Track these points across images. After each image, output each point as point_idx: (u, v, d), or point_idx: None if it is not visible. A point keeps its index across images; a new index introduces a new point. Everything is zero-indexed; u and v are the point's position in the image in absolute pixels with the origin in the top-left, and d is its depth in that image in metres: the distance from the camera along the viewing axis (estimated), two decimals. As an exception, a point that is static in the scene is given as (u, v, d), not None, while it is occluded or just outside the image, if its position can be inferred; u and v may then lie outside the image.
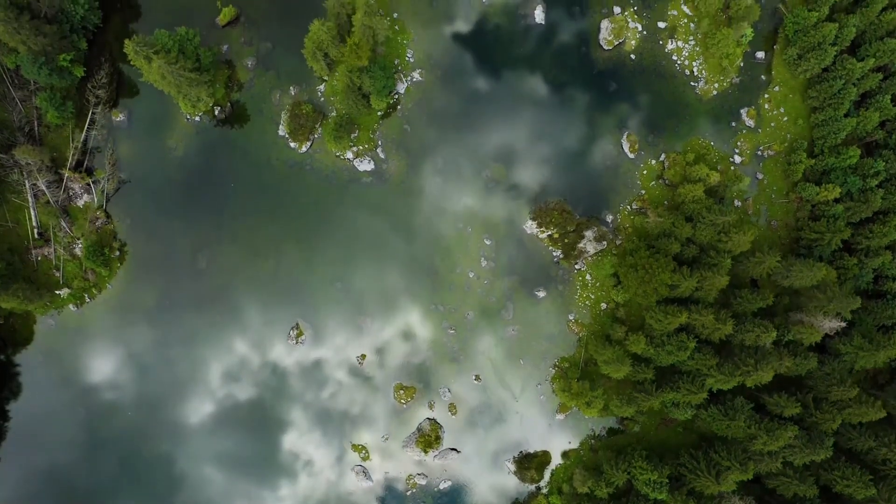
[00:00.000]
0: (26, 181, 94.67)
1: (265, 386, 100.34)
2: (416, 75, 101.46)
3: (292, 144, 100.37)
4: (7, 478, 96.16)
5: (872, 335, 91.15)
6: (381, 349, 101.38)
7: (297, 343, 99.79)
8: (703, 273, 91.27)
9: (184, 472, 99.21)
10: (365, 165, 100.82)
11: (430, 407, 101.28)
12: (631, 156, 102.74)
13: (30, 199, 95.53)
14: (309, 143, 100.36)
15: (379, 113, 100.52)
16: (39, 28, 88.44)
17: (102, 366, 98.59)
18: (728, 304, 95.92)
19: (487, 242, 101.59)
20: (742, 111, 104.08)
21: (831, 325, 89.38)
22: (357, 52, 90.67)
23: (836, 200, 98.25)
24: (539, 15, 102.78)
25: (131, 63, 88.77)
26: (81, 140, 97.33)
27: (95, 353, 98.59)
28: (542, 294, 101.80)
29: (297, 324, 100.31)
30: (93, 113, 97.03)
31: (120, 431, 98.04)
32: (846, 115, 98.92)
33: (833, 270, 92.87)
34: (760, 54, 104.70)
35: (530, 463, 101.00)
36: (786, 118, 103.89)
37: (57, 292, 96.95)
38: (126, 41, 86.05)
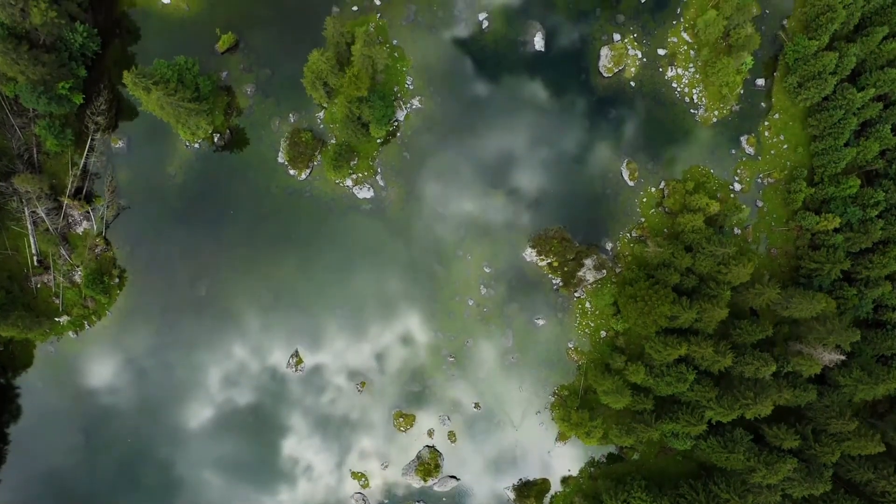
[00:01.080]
0: (25, 209, 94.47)
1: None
2: (416, 102, 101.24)
3: (291, 171, 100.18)
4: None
5: (872, 367, 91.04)
6: (380, 373, 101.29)
7: (296, 371, 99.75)
8: (703, 304, 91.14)
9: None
10: (364, 193, 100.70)
11: (430, 434, 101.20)
12: (630, 183, 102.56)
13: (29, 227, 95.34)
14: (308, 171, 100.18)
15: (378, 140, 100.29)
16: (38, 57, 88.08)
17: (101, 392, 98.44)
18: (727, 333, 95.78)
19: (487, 270, 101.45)
20: (742, 139, 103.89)
21: (831, 357, 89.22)
22: (356, 83, 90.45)
23: (836, 230, 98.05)
24: (539, 42, 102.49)
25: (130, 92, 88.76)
26: (81, 167, 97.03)
27: (95, 379, 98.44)
28: (541, 322, 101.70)
29: (297, 351, 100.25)
30: (92, 139, 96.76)
31: (119, 452, 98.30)
32: (846, 145, 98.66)
33: (833, 301, 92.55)
34: (760, 81, 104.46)
35: (530, 491, 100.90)
36: (786, 146, 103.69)
37: (56, 319, 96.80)
38: (125, 72, 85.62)
